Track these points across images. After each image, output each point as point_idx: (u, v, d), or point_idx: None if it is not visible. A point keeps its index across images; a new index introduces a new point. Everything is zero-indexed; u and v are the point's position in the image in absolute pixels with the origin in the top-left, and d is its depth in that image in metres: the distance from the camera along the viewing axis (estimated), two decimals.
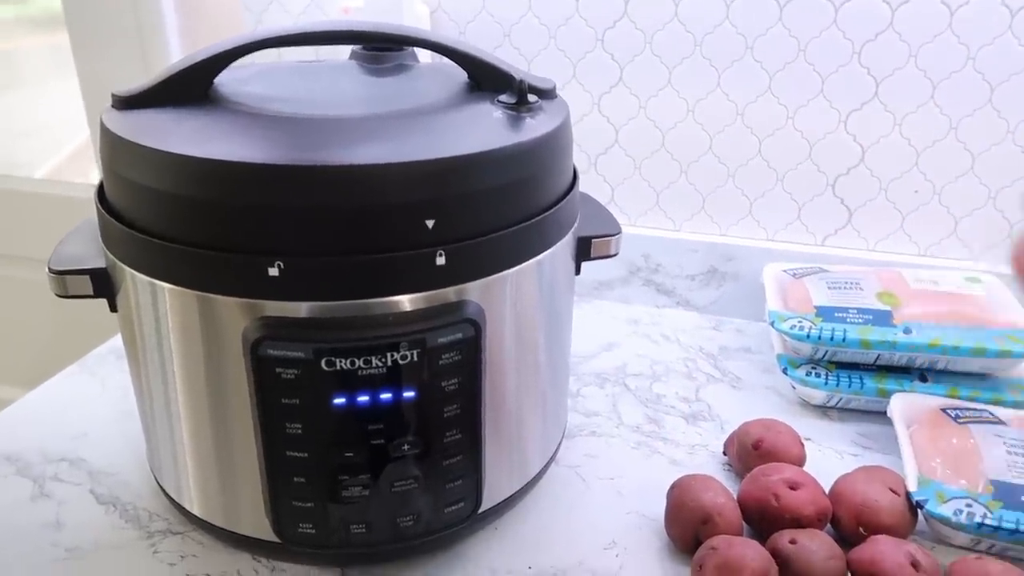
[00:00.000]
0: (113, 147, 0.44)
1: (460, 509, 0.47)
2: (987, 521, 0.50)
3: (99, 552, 0.52)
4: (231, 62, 0.48)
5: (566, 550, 0.52)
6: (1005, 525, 0.49)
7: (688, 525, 0.51)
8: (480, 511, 0.49)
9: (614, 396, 0.70)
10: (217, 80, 0.50)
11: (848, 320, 0.66)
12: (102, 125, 0.45)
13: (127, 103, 0.47)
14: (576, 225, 0.52)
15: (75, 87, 1.07)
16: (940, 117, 0.74)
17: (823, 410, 0.68)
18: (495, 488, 0.50)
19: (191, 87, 0.48)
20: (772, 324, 0.68)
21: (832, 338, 0.65)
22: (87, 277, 0.47)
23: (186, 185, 0.41)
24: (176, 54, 0.98)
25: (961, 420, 0.58)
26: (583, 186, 0.53)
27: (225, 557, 0.51)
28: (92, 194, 0.48)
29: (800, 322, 0.67)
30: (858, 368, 0.67)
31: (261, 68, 0.56)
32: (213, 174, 0.40)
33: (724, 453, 0.61)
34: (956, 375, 0.67)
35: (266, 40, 0.47)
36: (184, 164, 0.40)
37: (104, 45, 1.01)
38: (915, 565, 0.46)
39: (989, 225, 0.77)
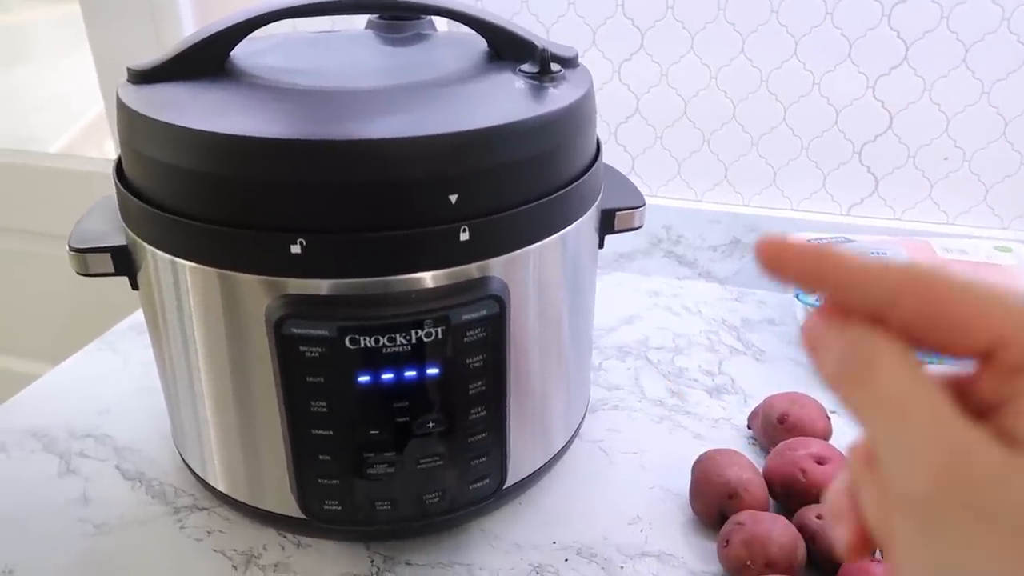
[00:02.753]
0: (131, 123, 0.43)
1: (485, 485, 0.47)
2: None
3: (126, 528, 0.52)
4: (247, 34, 0.47)
5: (590, 525, 0.52)
6: None
7: (713, 500, 0.50)
8: (505, 487, 0.49)
9: (636, 369, 0.69)
10: (233, 53, 0.49)
11: None
12: (119, 100, 0.44)
13: (143, 77, 0.46)
14: (600, 198, 0.51)
15: (87, 59, 1.06)
16: (972, 81, 0.72)
17: None
18: (519, 464, 0.50)
19: (208, 60, 0.47)
20: (796, 296, 0.67)
21: None
22: (108, 255, 0.47)
23: (206, 161, 0.40)
24: (189, 25, 0.97)
25: None
26: (603, 156, 0.52)
27: (251, 533, 0.51)
28: (109, 169, 0.48)
29: None
30: None
31: (277, 40, 0.55)
32: (233, 150, 0.39)
33: (748, 427, 0.61)
34: None
35: (282, 11, 0.46)
36: (204, 140, 0.39)
37: (116, 16, 0.99)
38: None
39: (1021, 192, 0.76)
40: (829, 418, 0.57)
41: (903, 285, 0.21)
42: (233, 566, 0.49)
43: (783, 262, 0.23)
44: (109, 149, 1.20)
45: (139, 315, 0.75)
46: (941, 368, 0.22)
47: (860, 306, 0.22)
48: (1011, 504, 0.18)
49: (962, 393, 0.21)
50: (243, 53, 0.50)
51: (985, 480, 0.18)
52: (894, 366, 0.20)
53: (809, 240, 0.75)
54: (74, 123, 1.45)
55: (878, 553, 0.47)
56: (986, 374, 0.21)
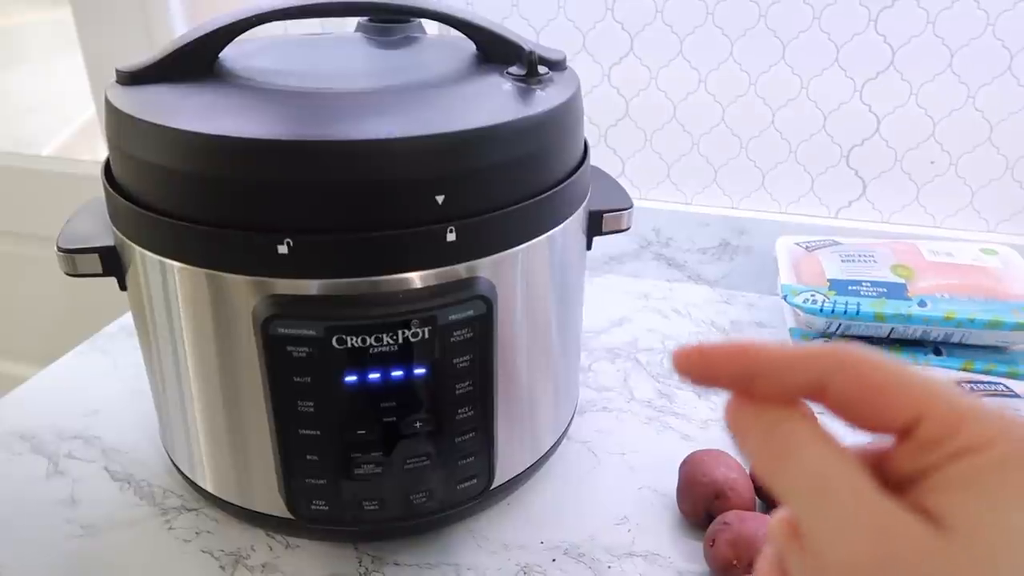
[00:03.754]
0: (119, 124, 0.43)
1: (473, 485, 0.47)
2: None
3: (114, 529, 0.52)
4: (236, 36, 0.47)
5: (578, 525, 0.52)
6: None
7: (700, 500, 0.50)
8: (492, 487, 0.49)
9: (625, 371, 0.69)
10: (222, 54, 0.49)
11: (862, 293, 0.66)
12: (107, 101, 0.44)
13: (132, 78, 0.46)
14: (587, 199, 0.52)
15: (80, 63, 1.06)
16: (958, 86, 0.73)
17: None
18: (507, 464, 0.50)
19: (196, 61, 0.47)
20: (785, 298, 0.68)
21: (846, 311, 0.65)
22: (96, 255, 0.47)
23: (194, 162, 0.40)
24: (180, 28, 0.97)
25: (976, 393, 0.57)
26: (593, 159, 0.52)
27: (239, 533, 0.51)
28: (100, 171, 0.48)
29: (813, 295, 0.66)
30: (872, 342, 0.67)
31: (266, 42, 0.56)
32: (221, 150, 0.39)
33: None
34: (971, 348, 0.66)
35: (271, 12, 0.47)
36: (192, 140, 0.40)
37: (108, 19, 1.00)
38: None
39: (1006, 196, 0.76)
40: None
41: (833, 365, 0.22)
42: (221, 567, 0.49)
43: (712, 368, 0.23)
44: (101, 152, 1.20)
45: (129, 317, 0.74)
46: (857, 441, 0.23)
47: (790, 390, 0.22)
48: None
49: (879, 467, 0.22)
50: (232, 55, 0.50)
51: (909, 560, 0.19)
52: (812, 445, 0.21)
53: (803, 243, 0.75)
54: (67, 126, 1.45)
55: None
56: (905, 448, 0.21)
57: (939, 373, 0.61)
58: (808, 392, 0.22)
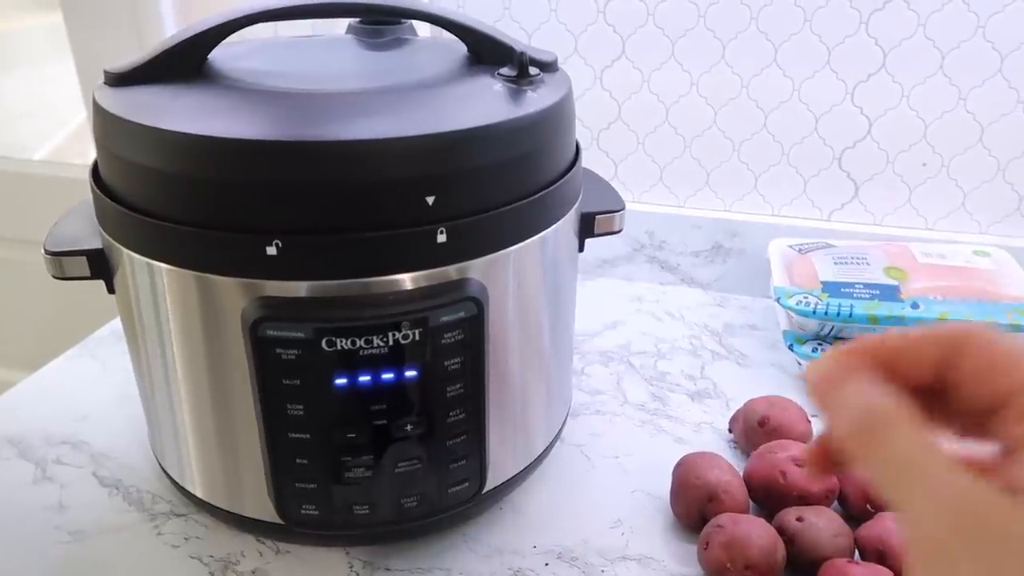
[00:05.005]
0: (106, 125, 0.43)
1: (464, 489, 0.47)
2: None
3: (102, 535, 0.51)
4: (225, 37, 0.47)
5: (571, 529, 0.52)
6: None
7: (694, 503, 0.50)
8: (484, 491, 0.49)
9: (619, 374, 0.69)
10: (211, 56, 0.49)
11: (855, 295, 0.66)
12: (94, 102, 0.44)
13: (120, 80, 0.46)
14: (579, 201, 0.51)
15: (72, 67, 1.05)
16: (949, 88, 0.73)
17: None
18: (499, 468, 0.50)
19: (185, 63, 0.47)
20: (778, 300, 0.68)
21: (839, 314, 0.65)
22: (83, 258, 0.46)
23: (181, 163, 0.40)
24: (171, 30, 0.97)
25: None
26: (586, 162, 0.52)
27: (229, 539, 0.51)
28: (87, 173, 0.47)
29: (806, 298, 0.66)
30: None
31: (256, 43, 0.55)
32: (209, 151, 0.39)
33: (729, 431, 0.61)
34: None
35: (261, 14, 0.46)
36: (179, 141, 0.39)
37: (98, 23, 0.99)
38: None
39: (998, 198, 0.76)
40: (810, 421, 0.58)
41: (957, 342, 0.24)
42: (210, 573, 0.49)
43: (851, 368, 0.25)
44: (93, 156, 1.19)
45: (119, 322, 0.74)
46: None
47: (923, 369, 0.24)
48: (1013, 551, 0.19)
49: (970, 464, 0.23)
50: (221, 56, 0.50)
51: (990, 528, 0.20)
52: (905, 430, 0.22)
53: (796, 245, 0.75)
54: (59, 131, 1.44)
55: (856, 555, 0.47)
56: (1001, 421, 0.23)
57: None
58: (936, 370, 0.24)
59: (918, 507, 0.21)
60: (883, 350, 0.25)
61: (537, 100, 0.45)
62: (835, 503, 0.52)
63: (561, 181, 0.47)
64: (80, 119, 1.36)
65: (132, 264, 0.44)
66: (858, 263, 0.70)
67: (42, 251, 0.46)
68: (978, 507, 0.20)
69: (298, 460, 0.43)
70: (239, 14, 0.46)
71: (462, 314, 0.42)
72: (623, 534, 0.52)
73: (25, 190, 1.19)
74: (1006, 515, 0.20)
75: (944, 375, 0.24)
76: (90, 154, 0.46)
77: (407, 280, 0.41)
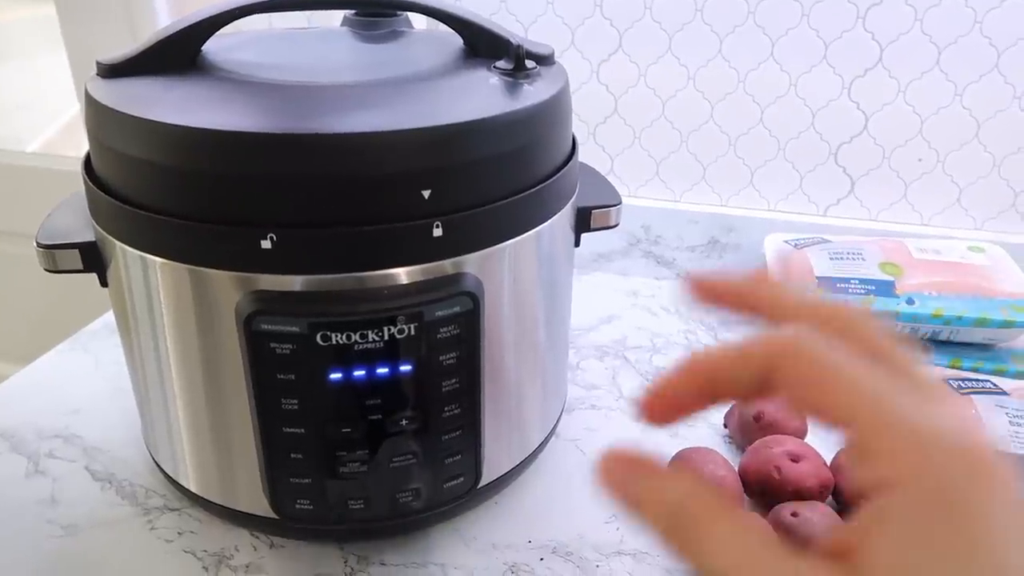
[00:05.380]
0: (99, 116, 0.43)
1: (459, 484, 0.47)
2: None
3: (95, 529, 0.51)
4: (219, 28, 0.46)
5: (566, 524, 0.52)
6: None
7: None
8: (480, 486, 0.48)
9: (614, 369, 0.69)
10: (205, 48, 0.48)
11: (850, 291, 0.66)
12: (87, 94, 0.44)
13: (113, 71, 0.45)
14: (575, 196, 0.51)
15: (65, 59, 1.05)
16: (945, 83, 0.73)
17: None
18: (495, 462, 0.50)
19: (178, 54, 0.46)
20: None
21: None
22: (76, 251, 0.46)
23: (175, 155, 0.39)
24: (165, 21, 0.96)
25: (963, 391, 0.57)
26: (582, 156, 0.52)
27: (223, 533, 0.51)
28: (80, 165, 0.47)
29: None
30: None
31: (250, 35, 0.55)
32: (202, 144, 0.39)
33: (724, 426, 0.61)
34: (959, 346, 0.66)
35: (255, 5, 0.46)
36: (172, 133, 0.39)
37: (91, 14, 0.99)
38: None
39: (993, 194, 0.76)
40: (805, 416, 0.57)
41: (780, 352, 0.22)
42: (204, 567, 0.48)
43: (716, 289, 0.25)
44: (86, 148, 1.19)
45: (112, 315, 0.74)
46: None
47: (745, 385, 0.22)
48: None
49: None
50: (215, 48, 0.50)
51: None
52: (719, 521, 0.21)
53: (792, 240, 0.75)
54: (52, 123, 1.44)
55: None
56: (848, 452, 0.21)
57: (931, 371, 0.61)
58: (760, 384, 0.22)
59: None
60: (701, 368, 0.23)
61: (533, 94, 0.45)
62: (830, 498, 0.52)
63: (557, 175, 0.47)
64: (73, 111, 1.35)
65: (125, 257, 0.44)
66: (853, 258, 0.70)
67: (34, 244, 0.46)
68: None
69: (292, 455, 0.43)
70: (233, 5, 0.45)
71: (457, 309, 0.42)
72: (618, 529, 0.52)
73: (17, 182, 1.18)
74: None
75: (766, 393, 0.22)
76: (83, 146, 0.45)
77: (402, 274, 0.41)
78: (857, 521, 0.20)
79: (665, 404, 0.24)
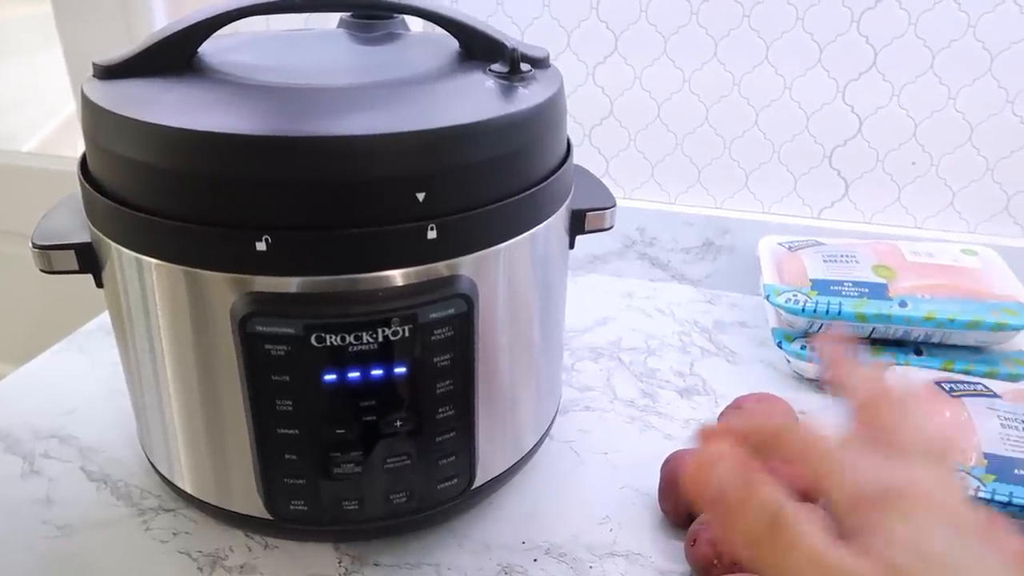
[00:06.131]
0: (95, 118, 0.43)
1: (453, 485, 0.47)
2: (980, 494, 0.50)
3: (90, 529, 0.51)
4: (215, 30, 0.47)
5: (560, 525, 0.52)
6: (998, 498, 0.49)
7: (682, 499, 0.50)
8: (474, 487, 0.49)
9: (608, 371, 0.69)
10: (202, 49, 0.48)
11: (844, 293, 0.66)
12: (83, 95, 0.44)
13: (109, 72, 0.46)
14: (570, 198, 0.51)
15: (62, 58, 1.05)
16: (939, 87, 0.73)
17: (818, 384, 0.68)
18: (489, 464, 0.50)
19: (175, 56, 0.47)
20: (767, 297, 0.68)
21: (827, 311, 0.65)
22: (72, 252, 0.46)
23: (171, 157, 0.40)
24: (161, 23, 0.96)
25: (955, 393, 0.58)
26: (577, 158, 0.52)
27: (218, 534, 0.51)
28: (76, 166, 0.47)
29: (795, 295, 0.67)
30: None
31: (247, 37, 0.55)
32: (198, 146, 0.39)
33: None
34: (951, 348, 0.66)
35: (252, 7, 0.46)
36: (168, 135, 0.39)
37: (87, 13, 0.99)
38: None
39: (986, 197, 0.77)
40: (798, 419, 0.58)
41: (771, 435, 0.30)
42: (199, 568, 0.49)
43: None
44: (82, 149, 1.18)
45: (108, 316, 0.74)
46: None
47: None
48: None
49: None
50: (212, 50, 0.50)
51: None
52: (807, 537, 0.25)
53: (786, 243, 0.75)
54: (48, 122, 1.43)
55: None
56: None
57: (919, 375, 0.62)
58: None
59: None
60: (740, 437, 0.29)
61: (529, 96, 0.45)
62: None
63: (552, 178, 0.47)
64: (70, 110, 1.35)
65: (121, 258, 0.44)
66: (847, 261, 0.70)
67: (30, 244, 0.46)
68: None
69: (287, 456, 0.43)
70: (230, 7, 0.46)
71: (452, 311, 0.42)
72: (611, 530, 0.52)
73: (13, 182, 1.18)
74: None
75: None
76: (80, 146, 0.46)
77: (397, 276, 0.41)
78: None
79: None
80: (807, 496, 0.29)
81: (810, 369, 0.67)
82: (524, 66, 0.47)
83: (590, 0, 0.77)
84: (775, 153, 0.80)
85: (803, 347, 0.67)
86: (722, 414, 0.60)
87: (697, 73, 0.78)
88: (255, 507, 0.46)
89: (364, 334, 0.41)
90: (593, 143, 0.84)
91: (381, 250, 0.41)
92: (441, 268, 0.42)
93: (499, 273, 0.45)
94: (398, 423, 0.44)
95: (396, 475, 0.45)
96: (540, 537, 0.51)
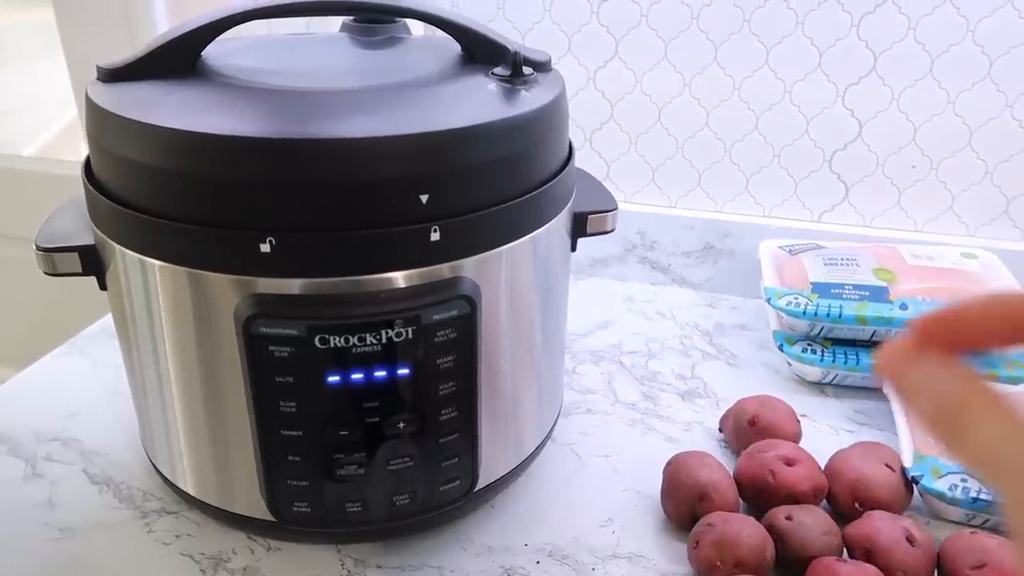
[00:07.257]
0: (99, 120, 0.43)
1: (456, 487, 0.47)
2: (982, 496, 0.50)
3: (93, 532, 0.51)
4: (219, 34, 0.47)
5: (562, 527, 0.52)
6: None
7: (684, 501, 0.50)
8: (476, 489, 0.49)
9: (610, 374, 0.70)
10: (205, 53, 0.48)
11: (844, 296, 0.66)
12: (87, 98, 0.44)
13: (113, 76, 0.46)
14: (572, 201, 0.52)
15: (62, 64, 1.05)
16: (938, 91, 0.74)
17: (819, 386, 0.68)
18: (491, 466, 0.50)
19: (179, 59, 0.47)
20: (768, 301, 0.68)
21: (828, 314, 0.65)
22: (75, 254, 0.46)
23: (175, 159, 0.40)
24: (163, 27, 0.96)
25: None
26: (578, 162, 0.52)
27: (220, 536, 0.51)
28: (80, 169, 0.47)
29: (796, 298, 0.67)
30: (854, 344, 0.67)
31: (250, 40, 0.55)
32: (202, 148, 0.39)
33: (720, 430, 0.61)
34: None
35: (255, 11, 0.46)
36: (172, 138, 0.39)
37: (90, 18, 0.99)
38: (910, 540, 0.46)
39: (986, 201, 0.77)
40: (799, 421, 0.58)
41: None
42: (201, 570, 0.49)
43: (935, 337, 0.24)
44: (84, 153, 1.19)
45: (110, 318, 0.74)
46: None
47: (992, 335, 0.24)
48: None
49: None
50: (215, 53, 0.50)
51: None
52: (987, 416, 0.22)
53: (786, 246, 0.75)
54: (49, 127, 1.44)
55: (844, 553, 0.48)
56: None
57: None
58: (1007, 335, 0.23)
59: (1010, 500, 0.20)
60: (955, 322, 0.24)
61: (530, 100, 0.45)
62: (824, 502, 0.52)
63: (554, 181, 0.47)
64: (70, 116, 1.35)
65: (124, 260, 0.44)
66: (848, 264, 0.70)
67: (33, 247, 0.46)
68: None
69: (290, 457, 0.43)
70: (233, 11, 0.46)
71: (455, 312, 0.42)
72: (614, 532, 0.52)
73: (15, 186, 1.18)
74: None
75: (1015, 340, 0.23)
76: (80, 151, 0.46)
77: (400, 278, 0.42)
78: None
79: (951, 332, 0.24)
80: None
81: (811, 372, 0.67)
82: (526, 69, 0.48)
83: (591, 4, 0.78)
84: (775, 157, 0.80)
85: (804, 350, 0.67)
86: (724, 416, 0.61)
87: (697, 77, 0.78)
88: (258, 509, 0.46)
89: (367, 335, 0.41)
90: (594, 147, 0.84)
91: (384, 252, 0.41)
92: (444, 270, 0.42)
93: (501, 275, 0.46)
94: (401, 425, 0.44)
95: (399, 477, 0.45)
96: (542, 539, 0.51)
